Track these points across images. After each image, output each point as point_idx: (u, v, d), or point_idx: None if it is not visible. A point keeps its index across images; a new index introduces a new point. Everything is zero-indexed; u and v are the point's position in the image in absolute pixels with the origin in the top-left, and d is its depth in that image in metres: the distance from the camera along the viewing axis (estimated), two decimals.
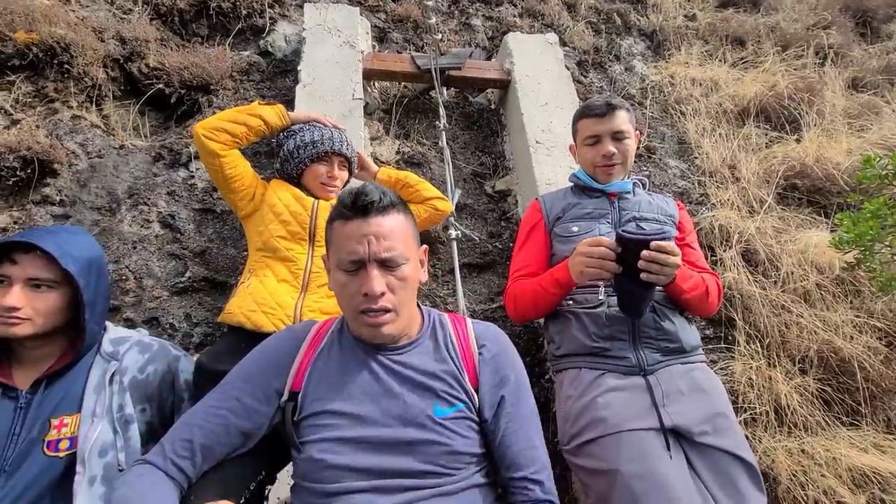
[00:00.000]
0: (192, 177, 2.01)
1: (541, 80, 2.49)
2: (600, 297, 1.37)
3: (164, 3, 2.37)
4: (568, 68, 2.69)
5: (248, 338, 1.31)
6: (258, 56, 2.44)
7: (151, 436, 1.17)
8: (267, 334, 1.28)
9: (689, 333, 1.38)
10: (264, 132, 1.60)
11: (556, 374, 1.47)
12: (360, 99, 2.18)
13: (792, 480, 1.64)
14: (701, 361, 1.38)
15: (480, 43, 2.97)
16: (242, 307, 1.37)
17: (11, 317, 1.03)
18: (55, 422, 1.06)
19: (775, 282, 2.10)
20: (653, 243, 1.16)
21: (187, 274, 1.79)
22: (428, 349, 1.00)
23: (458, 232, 1.97)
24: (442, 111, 2.27)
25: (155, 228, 1.86)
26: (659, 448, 1.16)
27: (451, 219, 1.96)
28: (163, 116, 2.26)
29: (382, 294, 0.89)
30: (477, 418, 0.97)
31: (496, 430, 0.96)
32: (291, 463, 0.97)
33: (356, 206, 0.90)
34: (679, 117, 2.85)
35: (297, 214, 1.51)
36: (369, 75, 2.40)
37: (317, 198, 1.59)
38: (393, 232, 0.91)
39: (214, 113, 2.13)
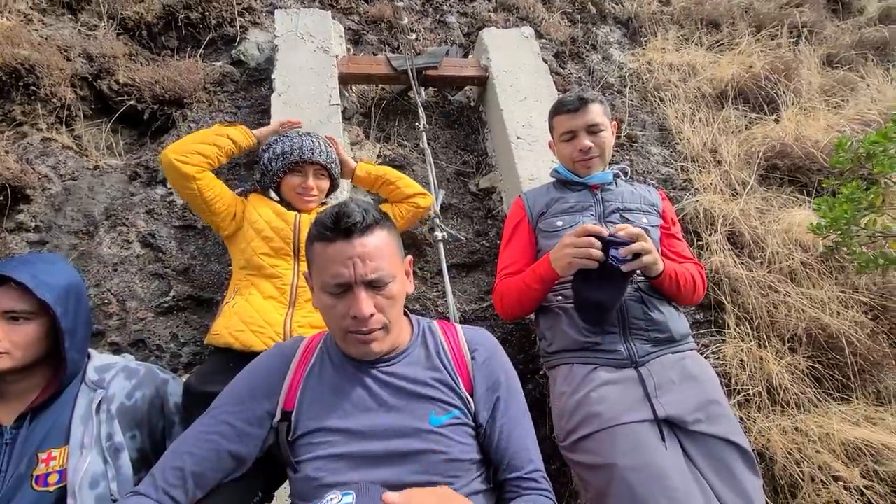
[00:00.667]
0: (171, 193, 1.97)
1: (518, 75, 2.48)
2: None
3: (130, 17, 2.32)
4: (545, 61, 2.68)
5: (237, 357, 1.30)
6: (231, 66, 2.40)
7: (143, 462, 1.15)
8: (257, 353, 1.27)
9: (678, 322, 1.39)
10: (233, 152, 1.58)
11: (549, 370, 1.47)
12: (338, 104, 2.16)
13: (787, 459, 1.66)
14: (692, 349, 1.39)
15: (456, 40, 2.95)
16: (229, 327, 1.35)
17: None
18: (43, 455, 1.04)
19: (761, 263, 2.12)
20: (621, 232, 1.22)
21: (171, 293, 1.76)
22: (419, 358, 1.00)
23: (445, 233, 1.96)
24: (421, 112, 2.25)
25: (135, 249, 1.82)
26: (654, 439, 1.17)
27: (437, 220, 1.95)
28: (136, 133, 2.22)
29: (371, 316, 0.88)
30: (473, 423, 0.97)
31: (492, 433, 0.97)
32: (288, 482, 0.96)
33: (338, 228, 0.87)
34: (658, 104, 2.86)
35: (280, 230, 1.49)
36: (345, 79, 2.38)
37: (298, 210, 1.57)
38: (378, 251, 0.89)
39: (190, 128, 2.10)
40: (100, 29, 2.29)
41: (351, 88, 2.55)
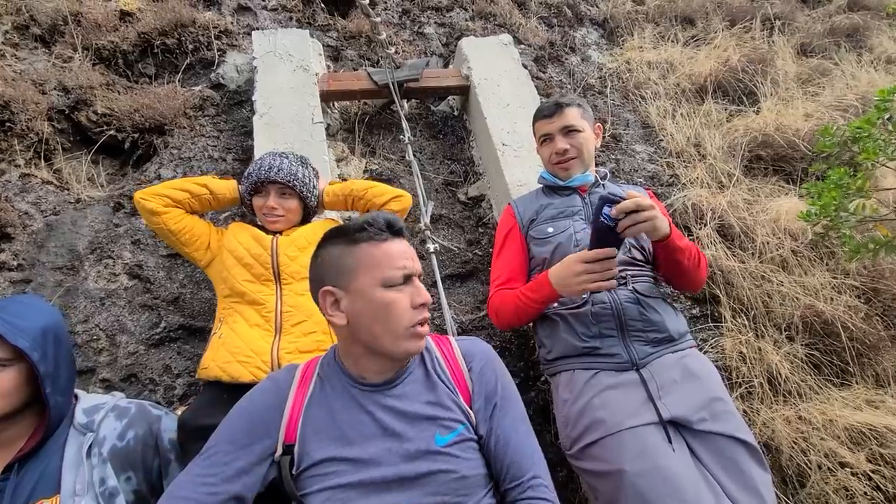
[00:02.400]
0: None
1: (500, 82, 2.49)
2: (584, 297, 1.36)
3: (105, 46, 2.29)
4: (525, 66, 2.70)
5: (228, 389, 1.27)
6: (211, 90, 2.38)
7: (142, 503, 1.11)
8: (246, 384, 1.24)
9: (675, 321, 1.38)
10: (210, 201, 1.55)
11: (550, 377, 1.46)
12: (321, 122, 2.14)
13: (793, 448, 1.66)
14: (691, 347, 1.38)
15: (436, 50, 2.96)
16: (217, 360, 1.33)
17: None
18: None
19: (753, 254, 2.13)
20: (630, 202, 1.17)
21: (162, 324, 1.73)
22: (419, 378, 0.99)
23: (436, 244, 1.95)
24: (405, 124, 2.25)
25: (122, 281, 1.79)
26: (660, 442, 1.16)
27: (428, 232, 1.94)
28: (118, 163, 2.19)
29: (430, 302, 0.97)
30: (475, 436, 0.96)
31: (490, 442, 0.96)
32: None
33: (392, 229, 0.96)
34: (640, 102, 2.88)
35: (259, 256, 1.46)
36: (327, 97, 2.37)
37: (273, 232, 1.54)
38: (414, 252, 1.00)
39: (172, 154, 2.07)
40: (74, 60, 2.26)
41: (333, 105, 2.54)
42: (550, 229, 1.47)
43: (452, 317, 1.88)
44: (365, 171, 2.32)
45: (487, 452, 0.96)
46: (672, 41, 3.34)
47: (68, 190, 1.98)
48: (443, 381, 0.99)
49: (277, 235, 1.52)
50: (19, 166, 1.94)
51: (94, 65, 2.28)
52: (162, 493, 1.16)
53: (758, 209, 2.29)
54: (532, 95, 2.48)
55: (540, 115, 1.59)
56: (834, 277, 2.04)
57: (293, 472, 0.89)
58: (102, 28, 2.33)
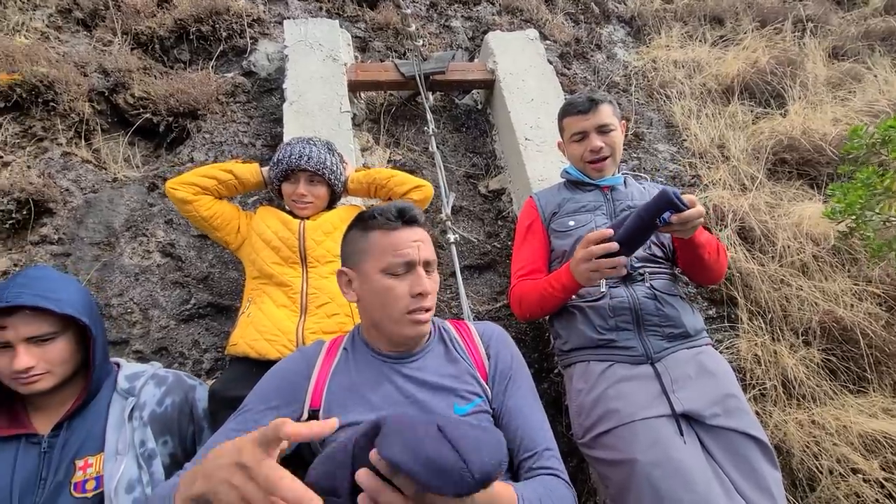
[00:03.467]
0: None
1: (525, 77, 2.50)
2: (602, 290, 1.39)
3: (143, 32, 2.37)
4: (550, 62, 2.70)
5: (257, 364, 1.33)
6: (242, 77, 2.44)
7: (175, 468, 1.17)
8: (272, 361, 1.30)
9: (692, 318, 1.40)
10: (236, 186, 1.60)
11: (564, 368, 1.49)
12: (348, 111, 2.19)
13: (805, 452, 1.66)
14: (706, 344, 1.40)
15: (462, 44, 2.98)
16: (245, 337, 1.39)
17: (29, 377, 1.03)
18: (80, 463, 1.07)
19: (773, 257, 2.12)
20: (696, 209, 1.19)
21: (192, 301, 1.80)
22: (439, 353, 1.06)
23: (456, 235, 1.99)
24: (429, 116, 2.28)
25: (156, 258, 1.86)
26: (672, 434, 1.19)
27: (448, 223, 1.98)
28: (153, 145, 2.26)
29: (430, 293, 1.00)
30: (491, 410, 1.02)
31: (503, 413, 1.01)
32: None
33: (404, 218, 1.00)
34: (665, 101, 2.87)
35: (286, 239, 1.51)
36: (354, 87, 2.41)
37: (300, 218, 1.59)
38: (429, 241, 1.04)
39: (204, 138, 2.14)
40: (114, 44, 2.34)
41: (360, 95, 2.58)
42: (572, 223, 1.50)
43: (470, 306, 1.92)
44: (389, 161, 2.36)
45: (500, 425, 1.01)
46: (700, 41, 3.31)
47: (106, 169, 2.06)
48: (462, 358, 1.05)
49: (304, 220, 1.57)
50: (61, 145, 2.03)
51: (132, 49, 2.35)
52: None
53: (780, 213, 2.28)
54: (556, 91, 2.49)
55: (573, 111, 1.54)
56: (855, 284, 2.03)
57: None
58: (141, 14, 2.40)
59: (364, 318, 1.07)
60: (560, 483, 0.94)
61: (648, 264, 1.43)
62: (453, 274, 1.96)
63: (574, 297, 1.43)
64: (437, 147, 2.23)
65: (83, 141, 2.09)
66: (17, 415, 1.08)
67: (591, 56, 3.07)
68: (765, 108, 2.84)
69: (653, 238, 1.46)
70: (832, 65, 3.22)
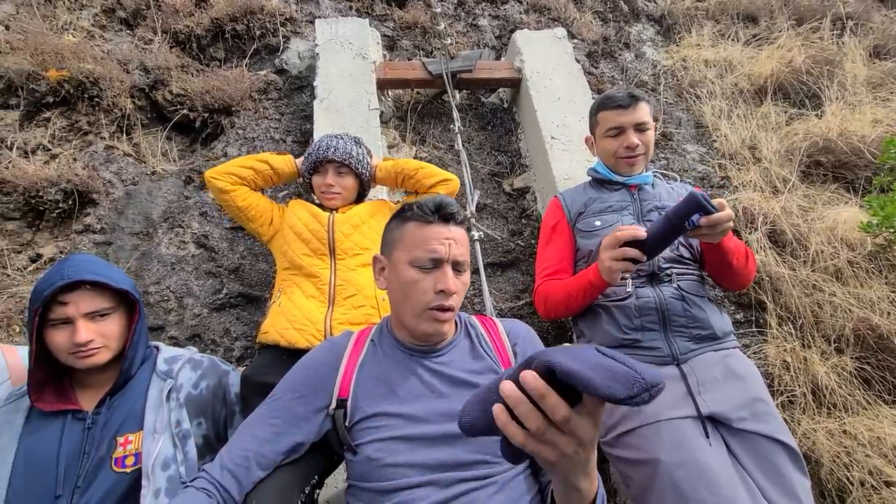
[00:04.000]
0: None
1: (552, 76, 2.50)
2: (628, 290, 1.38)
3: (181, 30, 2.45)
4: (578, 61, 2.69)
5: (286, 352, 1.37)
6: (275, 74, 2.51)
7: (208, 449, 1.22)
8: (301, 349, 1.34)
9: (720, 320, 1.39)
10: (271, 177, 1.64)
11: None
12: (376, 109, 2.23)
13: (835, 462, 1.62)
14: (734, 347, 1.38)
15: (489, 42, 2.99)
16: (276, 326, 1.43)
17: (88, 350, 1.09)
18: (120, 439, 1.12)
19: (805, 262, 2.07)
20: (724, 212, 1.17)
21: (224, 291, 1.87)
22: (465, 348, 1.06)
23: (480, 232, 2.00)
24: (455, 114, 2.30)
25: (191, 249, 1.94)
26: (698, 436, 1.18)
27: (473, 220, 2.00)
28: (189, 140, 2.34)
29: (454, 294, 0.98)
30: None
31: None
32: (344, 466, 1.02)
33: (440, 214, 1.00)
34: (694, 101, 2.82)
35: (316, 232, 1.55)
36: (382, 85, 2.45)
37: (330, 210, 1.63)
38: (463, 241, 1.02)
39: (237, 134, 2.21)
40: (154, 42, 2.43)
41: (388, 93, 2.62)
42: (598, 223, 1.49)
43: (493, 304, 1.93)
44: (415, 159, 2.39)
45: None
46: (732, 39, 3.23)
47: (145, 163, 2.15)
48: (487, 355, 1.06)
49: (334, 213, 1.61)
50: (104, 139, 2.12)
51: (171, 47, 2.44)
52: (226, 441, 1.29)
53: (813, 216, 2.22)
54: (584, 90, 2.48)
55: (612, 105, 1.51)
56: (893, 291, 1.96)
57: (346, 423, 0.97)
58: (180, 13, 2.49)
59: (391, 309, 1.09)
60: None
61: (676, 265, 1.42)
62: (477, 271, 1.98)
63: (600, 296, 1.43)
64: (463, 145, 2.25)
65: (125, 135, 2.19)
66: (64, 391, 1.15)
67: (620, 55, 3.04)
68: (799, 108, 2.76)
69: (680, 239, 1.44)
70: (873, 64, 3.11)
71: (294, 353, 1.31)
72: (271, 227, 1.64)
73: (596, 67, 2.92)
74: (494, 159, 2.54)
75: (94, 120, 2.14)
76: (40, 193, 1.86)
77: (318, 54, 2.37)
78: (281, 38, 2.58)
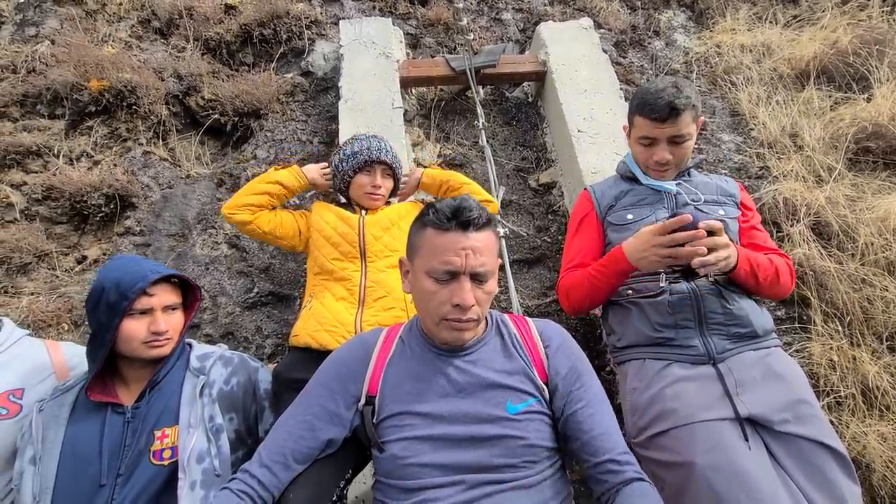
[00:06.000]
0: None
1: (578, 68, 2.44)
2: (661, 285, 1.33)
3: (212, 38, 2.53)
4: (605, 51, 2.62)
5: (317, 353, 1.39)
6: (301, 77, 2.55)
7: (240, 443, 1.26)
8: (331, 351, 1.36)
9: (760, 317, 1.32)
10: (285, 194, 1.66)
11: (617, 365, 1.45)
12: (400, 107, 2.23)
13: (888, 467, 1.52)
14: (776, 346, 1.31)
15: (513, 36, 2.95)
16: (307, 328, 1.46)
17: (161, 340, 1.18)
18: (158, 433, 1.17)
19: (853, 255, 1.95)
20: (700, 224, 1.14)
21: (255, 290, 1.92)
22: (496, 347, 1.04)
23: (506, 229, 1.98)
24: (479, 110, 2.28)
25: (223, 249, 2.00)
26: (736, 438, 1.13)
27: (498, 216, 1.97)
28: (220, 143, 2.42)
29: (472, 306, 0.93)
30: (549, 412, 0.99)
31: (574, 420, 0.97)
32: (372, 462, 1.03)
33: (457, 220, 0.92)
34: (729, 88, 2.70)
35: (346, 234, 1.56)
36: (406, 83, 2.45)
37: (363, 208, 1.64)
38: (486, 248, 0.94)
39: (266, 136, 2.26)
40: (187, 50, 2.52)
41: (411, 91, 2.63)
42: (630, 216, 1.44)
43: (519, 301, 1.91)
44: (439, 156, 2.39)
45: (570, 428, 0.97)
46: (770, 22, 3.07)
47: (180, 167, 2.23)
48: (519, 355, 1.03)
49: (363, 215, 1.61)
50: (142, 144, 2.22)
51: (202, 54, 2.52)
52: (256, 435, 1.32)
53: (862, 206, 2.08)
54: (611, 81, 2.41)
55: (649, 114, 1.36)
56: None
57: (374, 420, 0.98)
58: (210, 20, 2.57)
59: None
60: (651, 487, 0.92)
61: None
62: (502, 268, 1.96)
63: (630, 291, 1.39)
64: (487, 141, 2.23)
65: (161, 141, 2.28)
66: (107, 385, 1.20)
67: (649, 43, 2.94)
68: (845, 92, 2.60)
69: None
70: None
71: (323, 354, 1.33)
72: (301, 237, 1.66)
73: (624, 57, 2.83)
74: (519, 154, 2.50)
75: (132, 127, 2.24)
76: (85, 198, 1.96)
77: (342, 55, 2.40)
78: (306, 40, 2.63)
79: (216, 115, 2.32)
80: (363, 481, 1.44)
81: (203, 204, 2.10)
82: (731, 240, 1.39)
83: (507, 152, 2.50)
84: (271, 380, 1.37)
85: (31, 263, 1.91)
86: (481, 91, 2.51)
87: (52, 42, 2.43)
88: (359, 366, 1.04)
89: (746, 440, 1.13)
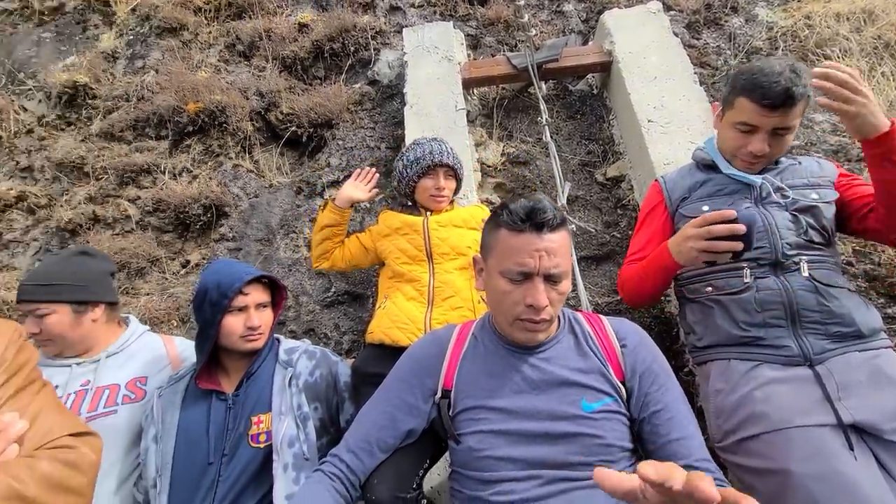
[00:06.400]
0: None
1: (646, 54, 2.34)
2: (746, 281, 1.25)
3: (288, 56, 2.73)
4: (676, 34, 2.48)
5: (391, 349, 1.47)
6: (367, 86, 2.68)
7: (324, 431, 1.36)
8: (404, 347, 1.43)
9: (866, 315, 1.19)
10: (337, 231, 1.77)
11: (698, 366, 1.38)
12: (463, 109, 2.27)
13: None
14: (886, 347, 1.18)
15: (575, 28, 2.88)
16: (381, 326, 1.54)
17: (256, 335, 1.32)
18: (254, 419, 1.30)
19: None
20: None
21: (332, 289, 2.05)
22: (569, 345, 1.04)
23: (573, 225, 1.95)
24: (542, 106, 2.26)
25: (303, 252, 2.15)
26: (839, 446, 1.03)
27: (564, 213, 1.94)
28: (297, 154, 2.61)
29: (545, 307, 0.93)
30: (626, 412, 0.98)
31: (651, 421, 0.96)
32: (448, 453, 1.07)
33: (532, 222, 0.92)
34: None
35: (412, 240, 1.64)
36: (468, 84, 2.49)
37: (428, 210, 1.70)
38: (560, 249, 0.94)
39: (337, 145, 2.40)
40: (267, 69, 2.74)
41: (473, 92, 2.66)
42: (706, 207, 1.36)
43: (588, 299, 1.87)
44: (502, 155, 2.40)
45: (648, 430, 0.96)
46: None
47: (263, 177, 2.43)
48: (594, 353, 1.02)
49: (427, 218, 1.67)
50: (231, 158, 2.45)
51: (280, 72, 2.73)
52: (338, 424, 1.41)
53: None
54: (684, 66, 2.28)
55: (759, 99, 1.20)
56: None
57: (450, 413, 1.02)
58: (286, 40, 2.77)
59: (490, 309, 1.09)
60: None
61: (805, 251, 1.23)
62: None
63: (710, 288, 1.31)
64: (551, 136, 2.20)
65: (247, 154, 2.50)
66: (212, 374, 1.36)
67: (726, 21, 2.73)
68: None
69: (810, 220, 1.26)
70: None
71: (397, 350, 1.40)
72: (375, 254, 1.75)
73: (698, 39, 2.66)
74: (585, 148, 2.45)
75: (223, 143, 2.48)
76: (186, 209, 2.21)
77: (406, 62, 2.49)
78: (372, 50, 2.75)
79: (293, 128, 2.50)
80: (437, 473, 1.49)
81: (285, 211, 2.28)
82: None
83: (571, 147, 2.46)
84: (350, 373, 1.47)
85: (145, 268, 2.19)
86: (544, 86, 2.48)
87: (156, 71, 2.75)
88: (434, 361, 1.08)
89: (852, 449, 1.03)
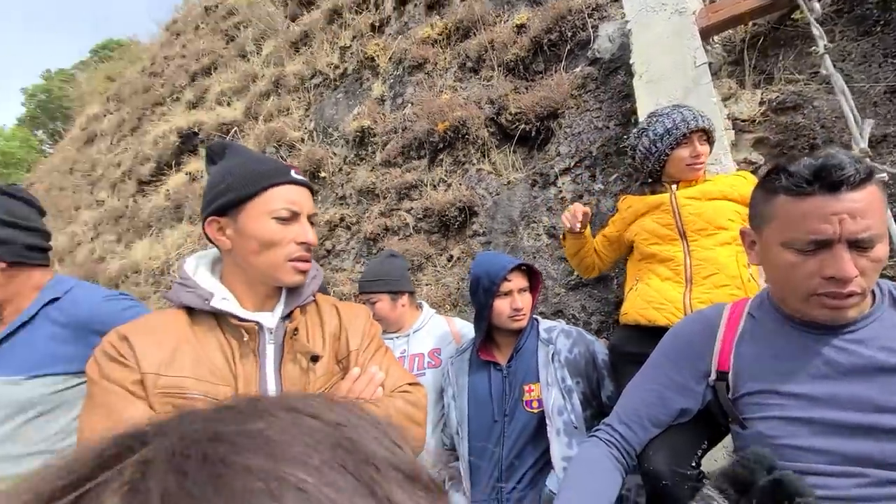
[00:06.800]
0: (560, 191, 2.40)
1: None
2: None
3: (510, 59, 2.95)
4: None
5: (645, 328, 1.48)
6: (589, 67, 2.66)
7: (587, 404, 1.48)
8: (661, 327, 1.41)
9: None
10: (583, 245, 1.82)
11: None
12: (704, 63, 2.03)
13: None
14: None
15: None
16: (635, 307, 1.56)
17: (520, 315, 1.54)
18: (526, 387, 1.52)
19: None
20: None
21: (575, 273, 2.15)
22: (892, 323, 0.85)
23: (884, 174, 1.51)
24: (816, 31, 1.80)
25: (544, 239, 2.33)
26: None
27: (867, 160, 1.53)
28: (527, 149, 2.80)
29: (853, 277, 0.78)
30: None
31: None
32: (731, 437, 1.03)
33: (822, 182, 0.77)
34: None
35: (659, 219, 1.57)
36: (707, 33, 2.19)
37: (674, 184, 1.60)
38: (869, 207, 0.77)
39: (565, 133, 2.47)
40: (493, 78, 3.03)
41: (712, 41, 2.33)
42: None
43: None
44: (761, 104, 2.03)
45: None
46: None
47: (500, 175, 2.72)
48: None
49: (674, 193, 1.58)
50: (474, 164, 2.82)
51: (504, 76, 2.97)
52: (600, 399, 1.51)
53: None
54: None
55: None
56: None
57: (730, 396, 0.96)
58: (506, 45, 2.99)
59: (770, 285, 0.97)
60: None
61: None
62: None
63: None
64: (835, 65, 1.75)
65: (485, 157, 2.84)
66: (488, 348, 1.65)
67: None
68: None
69: None
70: None
71: (654, 330, 1.40)
72: (626, 241, 1.74)
73: None
74: (892, 70, 1.84)
75: (466, 152, 2.88)
76: (446, 213, 2.67)
77: (629, 30, 2.36)
78: (590, 29, 2.70)
79: (522, 125, 2.70)
80: (714, 459, 1.42)
81: (523, 203, 2.50)
82: None
83: (868, 72, 1.89)
84: (607, 352, 1.55)
85: (422, 264, 2.76)
86: (817, 5, 1.97)
87: (412, 104, 3.38)
88: (704, 342, 1.03)
89: None
